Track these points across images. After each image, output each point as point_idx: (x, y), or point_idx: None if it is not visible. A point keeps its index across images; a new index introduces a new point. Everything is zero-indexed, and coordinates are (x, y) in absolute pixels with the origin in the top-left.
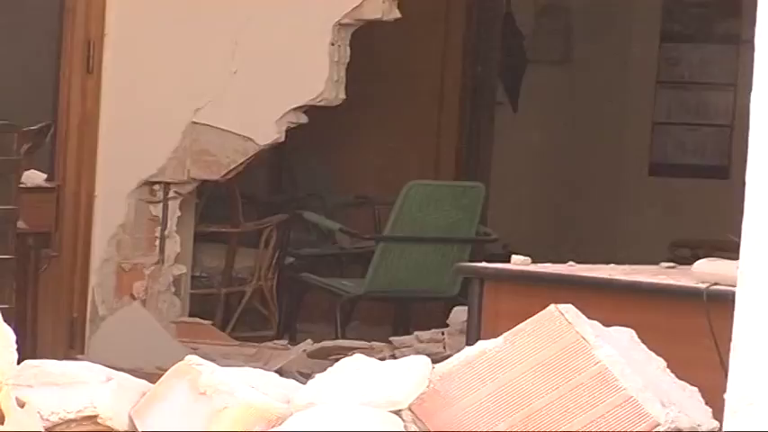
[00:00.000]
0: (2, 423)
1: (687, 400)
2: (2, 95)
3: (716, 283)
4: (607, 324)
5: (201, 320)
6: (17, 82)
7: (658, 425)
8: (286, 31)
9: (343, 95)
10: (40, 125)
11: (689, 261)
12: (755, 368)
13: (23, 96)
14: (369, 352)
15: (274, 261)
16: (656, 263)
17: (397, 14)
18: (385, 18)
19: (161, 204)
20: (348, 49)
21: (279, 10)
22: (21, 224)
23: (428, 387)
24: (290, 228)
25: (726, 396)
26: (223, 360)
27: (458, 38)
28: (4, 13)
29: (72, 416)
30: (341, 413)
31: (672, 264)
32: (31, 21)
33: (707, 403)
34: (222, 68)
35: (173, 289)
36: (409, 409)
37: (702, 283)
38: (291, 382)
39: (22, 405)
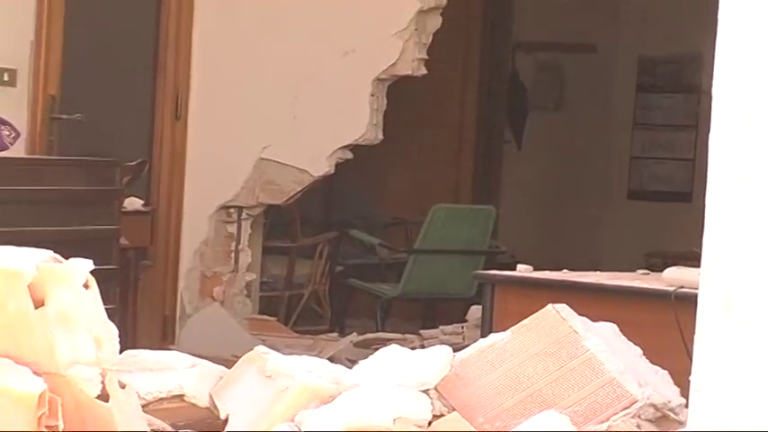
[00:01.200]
0: (107, 401)
1: (659, 382)
2: (106, 137)
3: (682, 287)
4: (594, 320)
5: (268, 317)
6: (119, 126)
7: (636, 401)
8: (335, 85)
9: (381, 136)
10: (138, 161)
11: (660, 269)
12: (715, 355)
13: (124, 138)
14: (402, 342)
15: (326, 269)
16: (634, 270)
17: (423, 71)
18: (414, 74)
19: (235, 224)
20: (384, 98)
21: (329, 68)
22: (123, 241)
23: (450, 371)
24: (339, 242)
25: (691, 378)
26: (285, 349)
27: (473, 90)
28: (107, 68)
29: (164, 395)
30: (380, 392)
31: (646, 271)
32: (129, 76)
33: (675, 384)
34: (284, 115)
35: (245, 292)
36: (435, 388)
37: (671, 286)
38: (340, 367)
39: (123, 387)
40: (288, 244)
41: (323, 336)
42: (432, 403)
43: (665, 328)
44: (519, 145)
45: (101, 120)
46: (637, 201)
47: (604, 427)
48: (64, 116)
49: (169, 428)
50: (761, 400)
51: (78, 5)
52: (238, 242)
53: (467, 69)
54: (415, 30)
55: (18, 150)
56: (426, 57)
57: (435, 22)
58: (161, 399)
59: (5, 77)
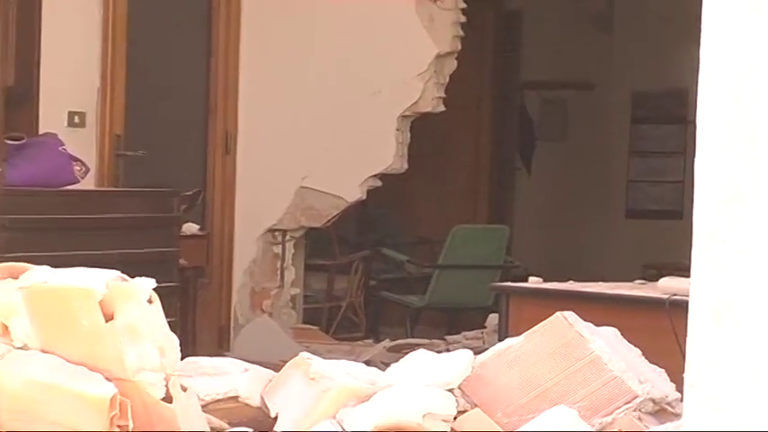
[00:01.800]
0: (171, 403)
1: (657, 379)
2: (165, 170)
3: (675, 295)
4: (597, 325)
5: (311, 327)
6: (176, 160)
7: (637, 396)
8: (365, 122)
9: (406, 165)
10: (193, 191)
11: (656, 279)
12: (705, 355)
13: (181, 170)
14: (429, 347)
15: (361, 283)
16: (632, 280)
17: (442, 108)
18: (434, 111)
19: (280, 245)
20: (408, 132)
21: (359, 106)
22: (182, 261)
23: (472, 372)
24: (372, 260)
25: (684, 375)
26: (326, 355)
27: (487, 124)
28: (165, 110)
29: (220, 397)
30: (410, 391)
31: (643, 281)
32: (184, 116)
33: (671, 381)
34: (320, 148)
35: (290, 305)
36: (459, 387)
37: (665, 294)
38: (375, 369)
39: (184, 390)
40: (327, 261)
41: (359, 342)
42: (456, 400)
43: (661, 332)
44: (528, 171)
45: (160, 155)
46: (634, 219)
47: (609, 419)
48: (128, 153)
49: (226, 426)
50: (747, 394)
51: (138, 54)
52: (283, 261)
53: (480, 106)
54: (434, 72)
55: (88, 184)
56: (444, 95)
57: (451, 65)
58: (218, 400)
59: (76, 120)
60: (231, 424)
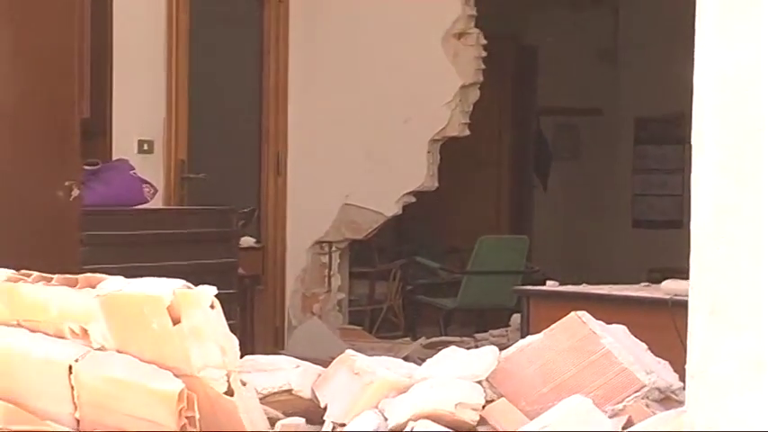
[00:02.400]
0: (232, 396)
1: (662, 370)
2: (224, 190)
3: (676, 295)
4: (608, 323)
5: (355, 327)
6: (234, 181)
7: (644, 386)
8: (399, 145)
9: (436, 183)
10: (249, 209)
11: (659, 281)
12: (704, 348)
13: (238, 190)
14: (460, 344)
15: (399, 288)
16: (638, 283)
17: (467, 132)
18: (459, 135)
19: (327, 255)
20: (438, 154)
21: (394, 132)
22: (241, 271)
23: (498, 366)
24: (408, 267)
25: (686, 366)
26: (369, 352)
27: (507, 146)
28: (223, 136)
29: (275, 390)
30: (443, 383)
31: (648, 283)
32: (241, 141)
33: (674, 371)
34: (361, 169)
35: (337, 308)
36: (486, 380)
37: (668, 295)
38: (412, 364)
39: (244, 384)
40: (368, 269)
41: (398, 340)
42: (484, 391)
43: (664, 328)
44: (545, 188)
45: (219, 177)
46: (639, 228)
47: (620, 407)
48: (191, 175)
49: (280, 416)
50: (742, 382)
51: (199, 88)
52: (330, 269)
53: (501, 130)
54: (459, 101)
55: (156, 203)
56: (469, 121)
57: (475, 94)
58: (273, 393)
59: (145, 147)
60: (285, 414)
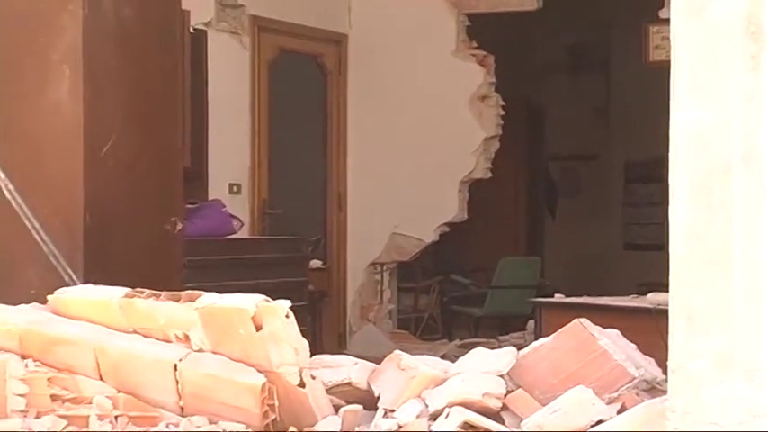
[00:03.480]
0: (304, 387)
1: (648, 365)
2: (297, 223)
3: (660, 305)
4: (605, 327)
5: (402, 331)
6: (304, 216)
7: (635, 378)
8: (435, 186)
9: (466, 216)
10: (316, 238)
11: (645, 293)
12: (682, 348)
13: (308, 223)
14: (486, 345)
15: (438, 300)
16: (629, 295)
17: (490, 175)
18: (484, 177)
19: (380, 274)
20: (467, 193)
21: (431, 175)
22: (310, 287)
23: (516, 362)
24: (444, 283)
25: (668, 363)
26: (413, 351)
27: (523, 186)
28: (297, 179)
29: (338, 383)
30: (473, 377)
31: (636, 295)
32: (309, 184)
33: (659, 366)
34: (406, 205)
35: (388, 316)
36: (507, 374)
37: (652, 304)
38: (448, 362)
39: (313, 378)
40: (413, 285)
41: (437, 342)
42: (505, 383)
43: (650, 332)
44: (553, 218)
45: (293, 212)
46: (629, 250)
47: (615, 395)
48: (271, 211)
49: (342, 403)
50: (713, 375)
51: (277, 140)
52: (382, 285)
53: (517, 173)
54: (483, 150)
55: (243, 234)
56: (491, 166)
57: (495, 145)
58: (336, 385)
59: (234, 189)
60: (346, 402)
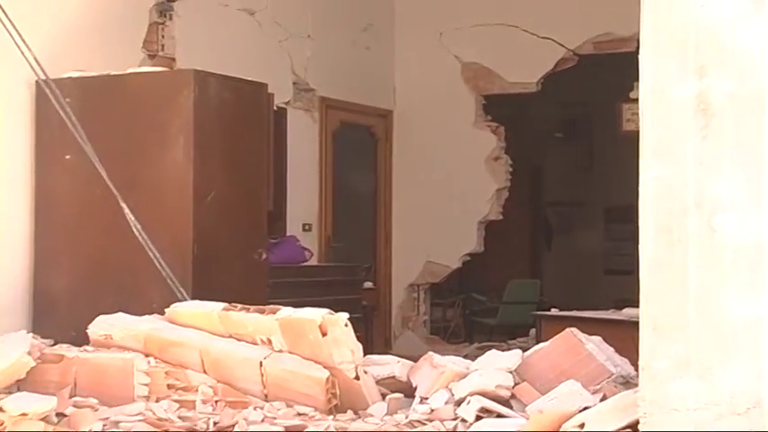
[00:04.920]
0: (358, 380)
1: (624, 365)
2: (354, 253)
3: (632, 317)
4: (590, 335)
5: (434, 336)
6: (359, 247)
7: (613, 374)
8: (459, 225)
9: (482, 248)
10: (368, 265)
11: (621, 308)
12: (650, 351)
13: (362, 253)
14: (498, 347)
15: (461, 313)
16: (608, 309)
17: (500, 217)
18: (496, 218)
19: (416, 293)
20: (483, 231)
21: (456, 217)
22: (364, 302)
23: (522, 361)
24: (466, 300)
25: (639, 362)
26: (443, 352)
27: (525, 226)
28: (354, 218)
29: (385, 377)
30: (488, 372)
31: (615, 310)
32: (363, 221)
33: (632, 365)
34: (437, 240)
35: (423, 325)
36: (515, 370)
37: (627, 317)
38: (469, 360)
39: (366, 373)
40: (442, 301)
41: (461, 345)
42: (513, 377)
43: (625, 339)
44: (550, 250)
45: (350, 244)
46: (609, 275)
47: (598, 387)
48: (334, 244)
49: (388, 393)
50: (674, 371)
51: (339, 190)
52: (418, 301)
53: (522, 216)
54: (496, 198)
55: (312, 262)
56: (502, 210)
57: (505, 194)
58: (384, 378)
59: (306, 227)
60: (391, 391)
